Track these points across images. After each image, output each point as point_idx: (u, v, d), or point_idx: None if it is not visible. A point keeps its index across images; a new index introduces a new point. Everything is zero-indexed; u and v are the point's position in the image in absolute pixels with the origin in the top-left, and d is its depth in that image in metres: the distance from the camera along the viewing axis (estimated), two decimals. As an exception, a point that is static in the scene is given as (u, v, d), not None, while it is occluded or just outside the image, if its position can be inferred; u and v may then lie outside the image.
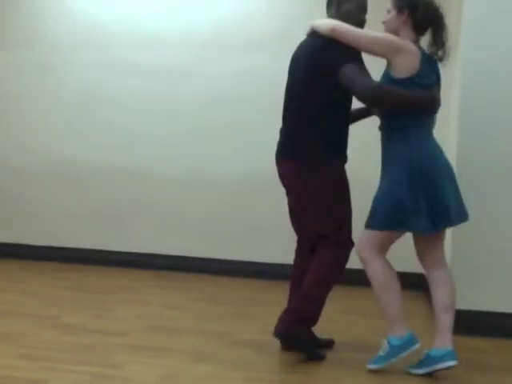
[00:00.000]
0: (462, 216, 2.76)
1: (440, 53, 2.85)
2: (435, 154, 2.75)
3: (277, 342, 3.18)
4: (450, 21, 4.19)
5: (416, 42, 2.85)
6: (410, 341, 2.77)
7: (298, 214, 3.00)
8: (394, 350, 2.76)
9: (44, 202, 5.31)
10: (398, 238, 2.79)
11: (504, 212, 3.47)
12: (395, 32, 2.85)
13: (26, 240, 5.36)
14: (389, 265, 2.80)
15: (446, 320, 2.76)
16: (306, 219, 2.97)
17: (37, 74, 5.29)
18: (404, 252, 4.76)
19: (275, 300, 4.21)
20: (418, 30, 2.84)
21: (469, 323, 3.49)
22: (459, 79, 3.55)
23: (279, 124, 4.94)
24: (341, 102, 2.90)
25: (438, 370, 2.71)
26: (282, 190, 4.91)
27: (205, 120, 5.07)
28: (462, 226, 3.49)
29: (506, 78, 3.46)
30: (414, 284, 4.74)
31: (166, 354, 2.91)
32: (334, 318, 3.75)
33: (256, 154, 4.99)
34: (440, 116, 4.42)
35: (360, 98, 2.73)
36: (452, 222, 2.72)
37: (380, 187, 2.78)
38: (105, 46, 5.18)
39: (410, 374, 2.78)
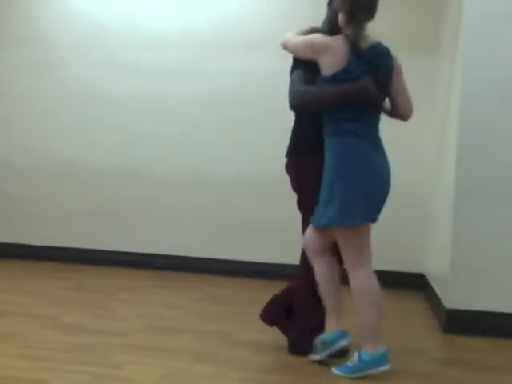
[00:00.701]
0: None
1: (353, 35, 2.77)
2: (362, 149, 2.74)
3: (277, 342, 3.17)
4: (450, 21, 4.19)
5: (356, 32, 2.77)
6: (375, 358, 2.69)
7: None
8: (365, 364, 2.68)
9: (44, 202, 5.31)
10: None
11: (503, 213, 3.47)
12: (341, 29, 2.84)
13: (26, 240, 5.36)
14: (331, 267, 2.84)
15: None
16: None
17: (37, 74, 5.29)
18: (404, 252, 4.77)
19: (275, 300, 4.21)
20: (348, 17, 2.79)
21: (469, 323, 3.49)
22: (459, 79, 3.55)
23: (279, 124, 4.94)
24: None
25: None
26: (282, 190, 4.91)
27: (205, 120, 5.07)
28: (462, 228, 3.49)
29: (507, 79, 3.46)
30: (414, 284, 4.74)
31: (166, 354, 2.91)
32: (334, 318, 3.75)
33: (256, 154, 4.99)
34: (439, 117, 4.42)
35: (289, 107, 2.81)
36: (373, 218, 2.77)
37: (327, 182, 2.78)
38: (105, 46, 5.18)
39: (410, 373, 2.78)
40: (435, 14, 4.66)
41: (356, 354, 2.72)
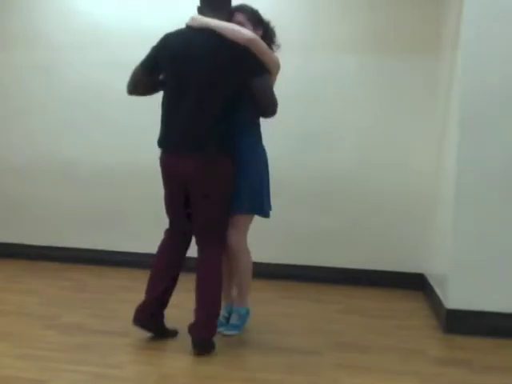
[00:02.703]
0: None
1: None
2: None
3: (277, 342, 3.17)
4: (450, 21, 4.19)
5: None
6: (248, 310, 3.45)
7: None
8: (244, 318, 3.38)
9: (44, 202, 5.31)
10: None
11: (503, 213, 3.47)
12: None
13: (26, 240, 5.36)
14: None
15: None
16: None
17: (37, 74, 5.29)
18: (404, 252, 4.77)
19: (274, 300, 4.21)
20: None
21: (469, 323, 3.49)
22: (459, 79, 3.55)
23: (279, 123, 4.92)
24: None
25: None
26: (282, 190, 4.91)
27: (205, 120, 5.07)
28: (462, 228, 3.49)
29: (507, 79, 3.46)
30: (414, 284, 4.73)
31: (166, 354, 2.92)
32: (334, 318, 3.75)
33: (256, 154, 4.99)
34: (439, 116, 4.42)
35: (269, 112, 3.07)
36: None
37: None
38: (105, 45, 5.17)
39: (410, 373, 2.78)
40: (435, 13, 4.66)
41: (234, 315, 3.35)
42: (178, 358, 2.86)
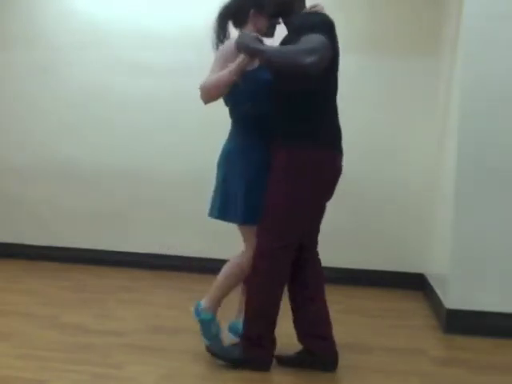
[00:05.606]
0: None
1: None
2: None
3: (278, 342, 3.17)
4: (450, 21, 4.19)
5: None
6: None
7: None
8: None
9: (44, 202, 5.31)
10: None
11: (503, 213, 3.47)
12: None
13: (26, 240, 5.36)
14: None
15: None
16: None
17: (37, 73, 5.29)
18: (404, 252, 4.77)
19: (275, 300, 4.21)
20: None
21: (469, 323, 3.49)
22: (459, 79, 3.55)
23: (279, 124, 4.93)
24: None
25: None
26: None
27: (205, 120, 5.07)
28: (462, 228, 3.49)
29: (507, 79, 3.46)
30: (414, 284, 4.74)
31: (166, 354, 2.92)
32: (334, 318, 3.75)
33: (256, 154, 4.99)
34: (440, 116, 4.42)
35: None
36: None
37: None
38: (105, 45, 5.17)
39: (410, 373, 2.78)
40: (435, 13, 4.66)
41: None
42: (177, 358, 2.86)
